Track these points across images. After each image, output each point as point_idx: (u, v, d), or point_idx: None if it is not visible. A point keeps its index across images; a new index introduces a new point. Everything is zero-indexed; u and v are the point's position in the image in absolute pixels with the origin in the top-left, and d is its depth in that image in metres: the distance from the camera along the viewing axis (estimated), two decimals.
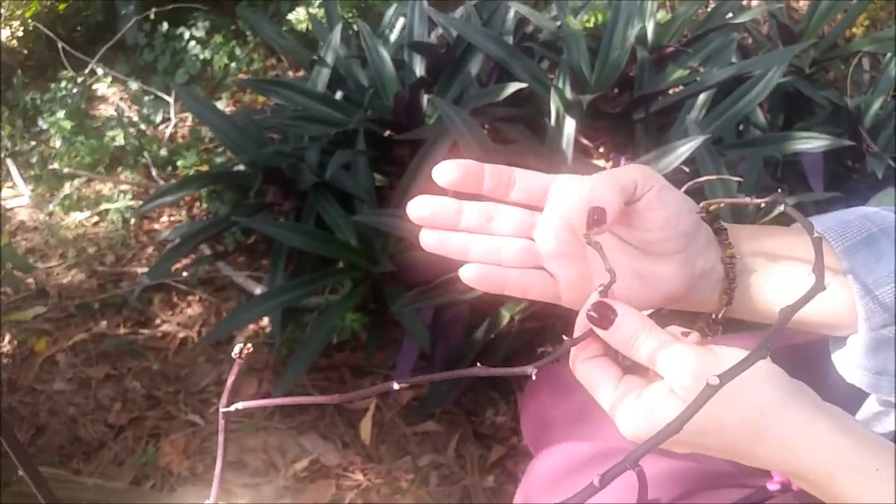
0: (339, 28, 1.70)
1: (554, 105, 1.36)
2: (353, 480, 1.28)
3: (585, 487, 0.35)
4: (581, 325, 0.46)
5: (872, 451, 0.39)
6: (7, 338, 1.55)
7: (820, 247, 0.44)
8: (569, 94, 1.42)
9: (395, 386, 0.45)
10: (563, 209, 0.49)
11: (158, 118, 2.15)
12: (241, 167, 1.74)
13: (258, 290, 1.61)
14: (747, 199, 0.51)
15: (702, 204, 0.51)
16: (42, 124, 1.98)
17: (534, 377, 0.45)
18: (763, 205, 0.50)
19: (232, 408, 0.45)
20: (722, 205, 1.08)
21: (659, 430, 0.37)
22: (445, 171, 0.48)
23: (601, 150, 1.57)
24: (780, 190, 0.50)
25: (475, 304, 1.36)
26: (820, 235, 0.44)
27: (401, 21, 1.82)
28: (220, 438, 0.45)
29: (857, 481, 0.38)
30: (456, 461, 1.31)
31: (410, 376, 1.45)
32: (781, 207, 0.47)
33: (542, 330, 1.44)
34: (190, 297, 1.64)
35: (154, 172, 1.98)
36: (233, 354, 0.44)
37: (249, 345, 0.44)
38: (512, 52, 1.54)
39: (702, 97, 1.49)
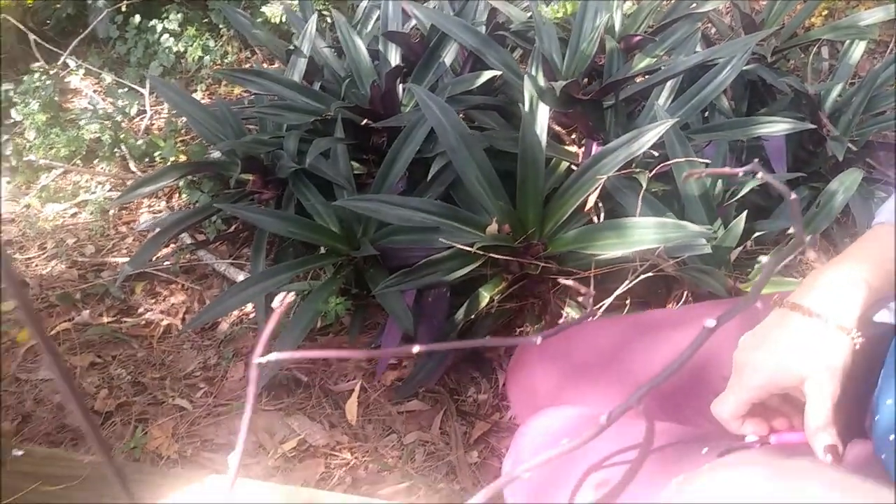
0: (314, 18, 1.73)
1: (528, 92, 1.41)
2: (341, 459, 1.31)
3: (592, 428, 0.38)
4: None
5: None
6: None
7: (798, 208, 0.48)
8: (541, 81, 1.46)
9: (416, 349, 0.48)
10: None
11: (133, 111, 2.15)
12: (220, 156, 1.76)
13: (240, 278, 1.63)
14: (728, 170, 0.56)
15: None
16: (15, 116, 1.97)
17: (538, 342, 0.49)
18: (741, 174, 0.54)
19: (265, 359, 0.47)
20: (704, 175, 1.13)
21: (662, 369, 0.40)
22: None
23: (573, 136, 1.62)
24: (756, 160, 0.55)
25: (456, 285, 1.40)
26: (797, 198, 0.49)
27: (375, 13, 1.85)
28: (251, 389, 0.48)
29: None
30: (441, 438, 1.36)
31: (396, 358, 1.49)
32: (759, 175, 0.52)
33: (520, 310, 1.48)
34: (172, 286, 1.66)
35: (132, 164, 1.99)
36: (273, 305, 0.45)
37: (291, 293, 0.45)
38: (485, 41, 1.59)
39: (669, 84, 1.55)
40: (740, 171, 0.55)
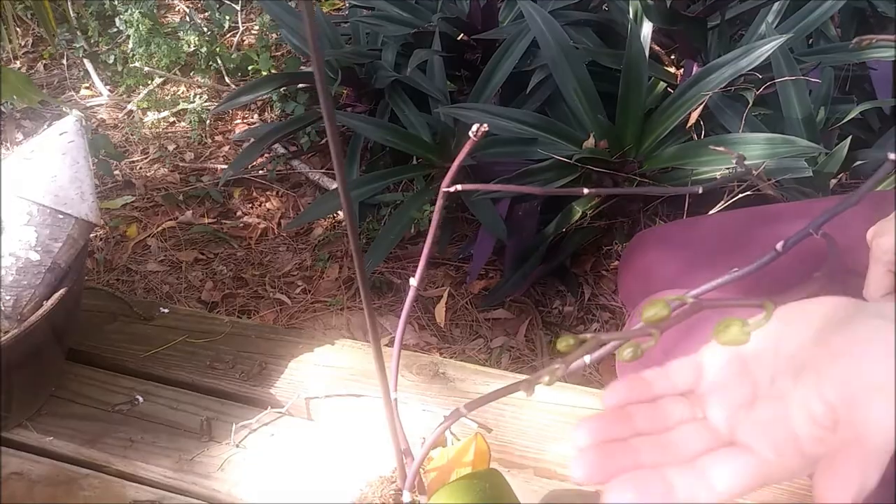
0: None
1: (633, 6, 1.39)
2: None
3: (768, 253, 0.40)
4: None
5: None
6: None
7: (742, 159, 0.49)
8: None
9: (585, 191, 0.51)
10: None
11: (225, 26, 2.19)
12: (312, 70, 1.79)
13: (333, 186, 1.69)
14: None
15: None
16: (119, 25, 2.04)
17: (700, 191, 0.50)
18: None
19: (452, 189, 0.51)
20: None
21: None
22: (612, 396, 0.39)
23: (672, 57, 1.60)
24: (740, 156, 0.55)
25: (548, 198, 1.42)
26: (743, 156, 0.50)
27: None
28: (435, 218, 0.52)
29: None
30: (525, 345, 1.40)
31: (483, 269, 1.53)
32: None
33: (609, 228, 1.50)
34: (268, 192, 1.72)
35: (226, 78, 2.04)
36: (470, 133, 0.47)
37: (486, 126, 0.47)
38: None
39: (776, 5, 1.51)
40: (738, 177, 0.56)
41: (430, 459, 0.60)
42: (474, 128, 0.47)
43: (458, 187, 0.52)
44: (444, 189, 0.52)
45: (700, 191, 0.51)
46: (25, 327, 0.67)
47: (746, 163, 1.22)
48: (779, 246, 0.41)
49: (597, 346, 0.32)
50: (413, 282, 0.55)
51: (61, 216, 0.69)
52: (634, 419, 0.38)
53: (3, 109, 1.92)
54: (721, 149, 0.50)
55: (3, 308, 0.69)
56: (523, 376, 0.49)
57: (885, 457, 0.31)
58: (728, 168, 1.25)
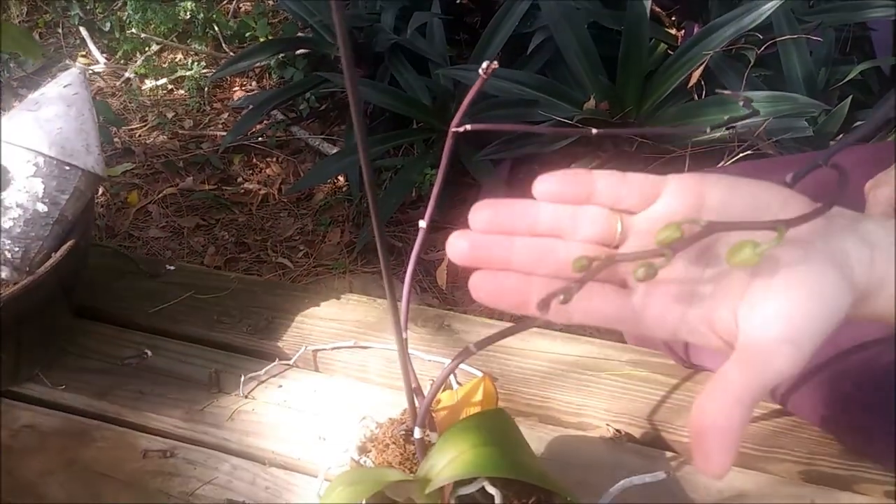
0: None
1: None
2: None
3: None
4: None
5: None
6: (101, 190, 1.65)
7: (749, 101, 0.49)
8: None
9: (594, 131, 0.51)
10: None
11: None
12: (312, 35, 1.78)
13: (333, 152, 1.68)
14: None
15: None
16: None
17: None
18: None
19: (461, 129, 0.51)
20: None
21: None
22: (545, 183, 0.36)
23: (673, 19, 1.59)
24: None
25: (549, 161, 1.42)
26: None
27: None
28: (444, 158, 0.52)
29: None
30: None
31: None
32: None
33: None
34: (268, 159, 1.72)
35: (223, 45, 2.03)
36: (479, 71, 0.47)
37: (496, 63, 0.47)
38: None
39: None
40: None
41: (438, 401, 0.61)
42: (484, 64, 0.47)
43: (468, 127, 0.52)
44: (452, 129, 0.52)
45: (708, 130, 0.51)
46: (34, 278, 0.67)
47: (747, 122, 1.22)
48: (788, 178, 0.41)
49: (609, 265, 0.33)
50: (422, 223, 0.56)
51: (68, 168, 0.70)
52: (539, 218, 0.35)
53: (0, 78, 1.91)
54: (727, 92, 0.50)
55: (12, 259, 0.70)
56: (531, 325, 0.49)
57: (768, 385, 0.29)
58: (728, 129, 1.25)
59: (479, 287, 0.34)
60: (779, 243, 0.33)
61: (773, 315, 0.30)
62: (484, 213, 0.35)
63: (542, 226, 0.35)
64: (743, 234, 0.32)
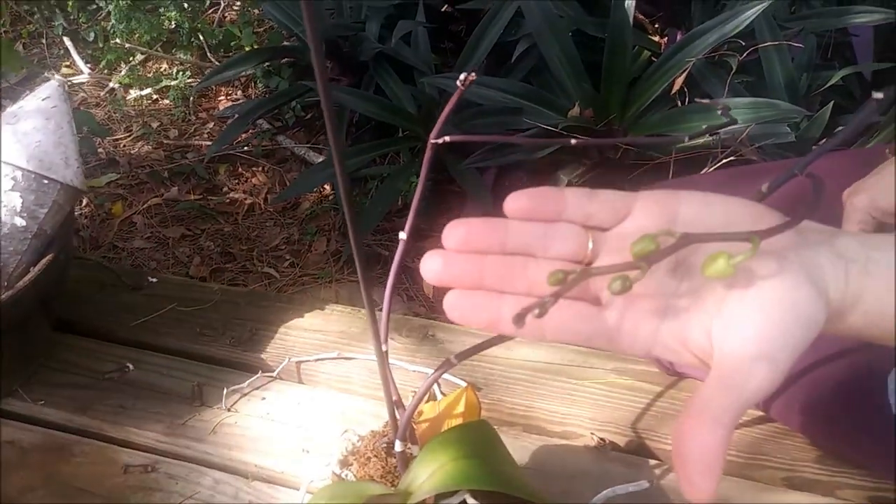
0: None
1: None
2: None
3: (754, 194, 0.40)
4: None
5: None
6: (84, 201, 1.64)
7: (728, 109, 0.49)
8: None
9: (573, 141, 0.52)
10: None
11: (207, 2, 2.17)
12: (298, 44, 1.78)
13: (319, 161, 1.68)
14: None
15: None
16: (99, 1, 2.01)
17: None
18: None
19: (440, 140, 0.51)
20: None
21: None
22: (516, 201, 0.36)
23: (656, 26, 1.60)
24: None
25: (533, 168, 1.43)
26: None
27: None
28: (423, 169, 0.52)
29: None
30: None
31: None
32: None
33: None
34: (254, 168, 1.72)
35: (209, 54, 2.02)
36: (457, 83, 0.47)
37: (473, 74, 0.47)
38: None
39: None
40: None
41: (420, 412, 0.60)
42: (462, 76, 0.47)
43: (447, 138, 0.52)
44: (432, 140, 0.52)
45: (686, 139, 0.51)
46: (12, 293, 0.67)
47: (730, 128, 1.23)
48: (763, 188, 0.41)
49: (585, 278, 0.33)
50: (402, 235, 0.55)
51: (46, 181, 0.69)
52: (509, 235, 0.35)
53: None
54: (706, 101, 0.50)
55: None
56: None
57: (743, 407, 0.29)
58: (712, 135, 1.26)
59: (453, 306, 0.35)
60: (753, 255, 0.32)
61: (748, 333, 0.30)
62: (457, 231, 0.35)
63: (514, 243, 0.35)
64: (718, 247, 0.32)
